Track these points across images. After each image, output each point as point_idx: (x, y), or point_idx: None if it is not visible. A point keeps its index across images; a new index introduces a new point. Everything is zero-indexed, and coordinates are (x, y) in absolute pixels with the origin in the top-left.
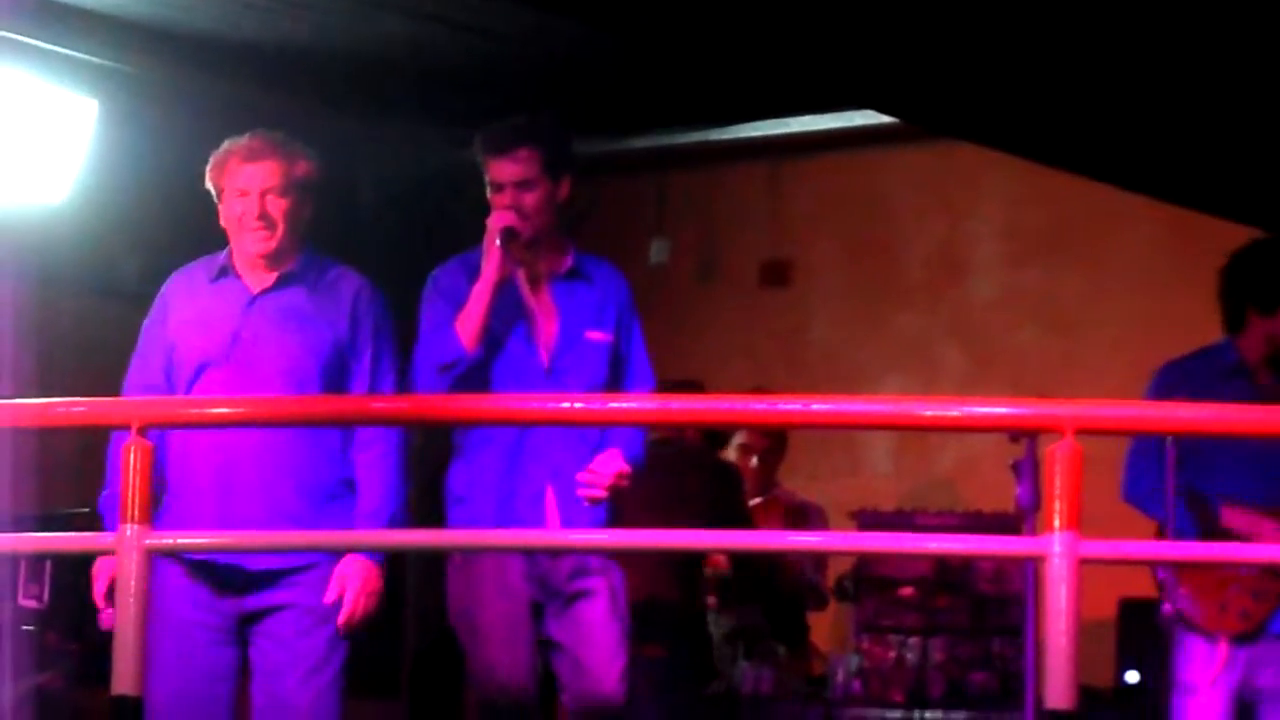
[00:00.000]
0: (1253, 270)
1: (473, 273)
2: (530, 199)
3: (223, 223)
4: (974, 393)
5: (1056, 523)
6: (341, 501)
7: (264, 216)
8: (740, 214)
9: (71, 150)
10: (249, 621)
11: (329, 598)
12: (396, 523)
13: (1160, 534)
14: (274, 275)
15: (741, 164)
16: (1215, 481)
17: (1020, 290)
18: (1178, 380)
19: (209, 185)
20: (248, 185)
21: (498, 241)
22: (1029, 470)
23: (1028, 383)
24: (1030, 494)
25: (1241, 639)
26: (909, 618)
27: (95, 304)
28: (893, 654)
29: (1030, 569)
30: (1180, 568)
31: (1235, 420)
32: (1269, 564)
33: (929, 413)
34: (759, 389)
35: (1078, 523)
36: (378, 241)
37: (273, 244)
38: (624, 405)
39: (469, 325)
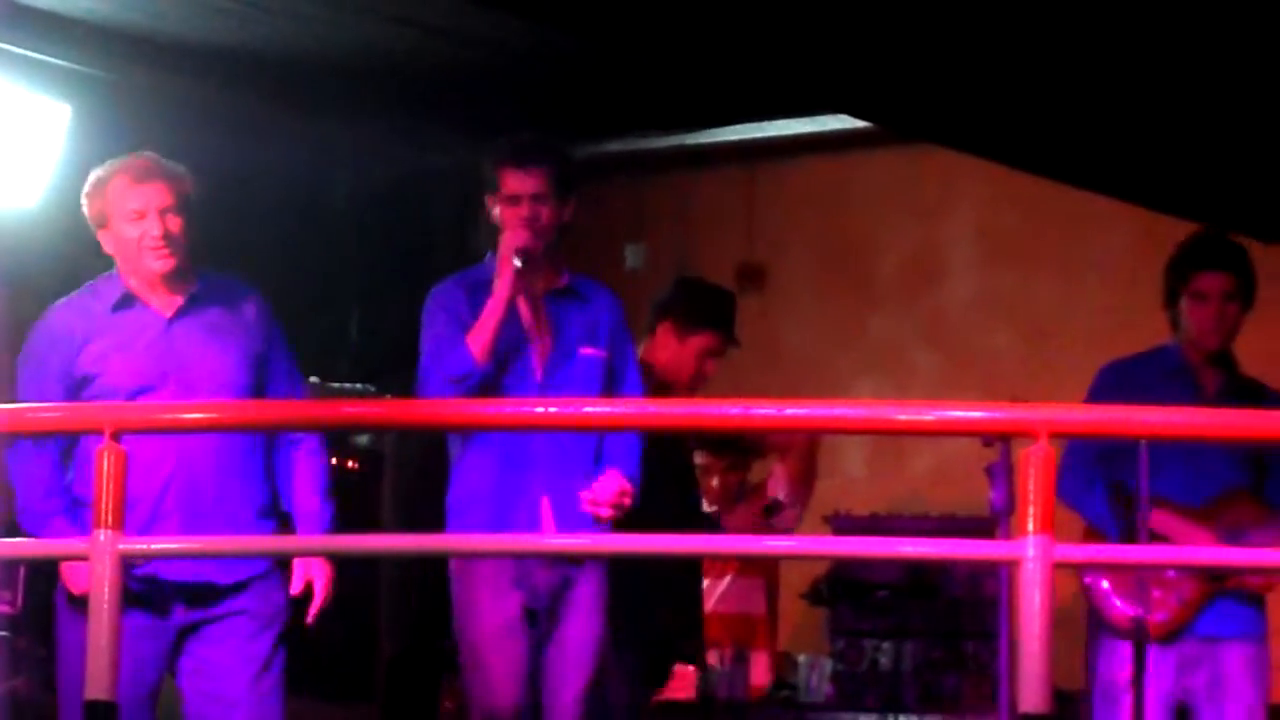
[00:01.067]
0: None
1: (471, 290)
2: (545, 213)
3: (109, 250)
4: (947, 396)
5: (1030, 526)
6: (270, 521)
7: (167, 235)
8: (715, 218)
9: (44, 155)
10: (189, 632)
11: (296, 589)
12: (329, 519)
13: (1089, 533)
14: (180, 299)
15: (716, 168)
16: (1149, 480)
17: (994, 294)
18: (1117, 381)
19: (88, 214)
20: (144, 206)
21: (516, 260)
22: (1003, 474)
23: (1001, 386)
24: (1004, 498)
25: (1164, 640)
26: (883, 622)
27: None
28: (867, 658)
29: (1004, 573)
30: (1108, 569)
31: (1207, 425)
32: (1203, 567)
33: (903, 417)
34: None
35: (1051, 526)
36: (352, 243)
37: (173, 262)
38: (598, 410)
39: (480, 339)
